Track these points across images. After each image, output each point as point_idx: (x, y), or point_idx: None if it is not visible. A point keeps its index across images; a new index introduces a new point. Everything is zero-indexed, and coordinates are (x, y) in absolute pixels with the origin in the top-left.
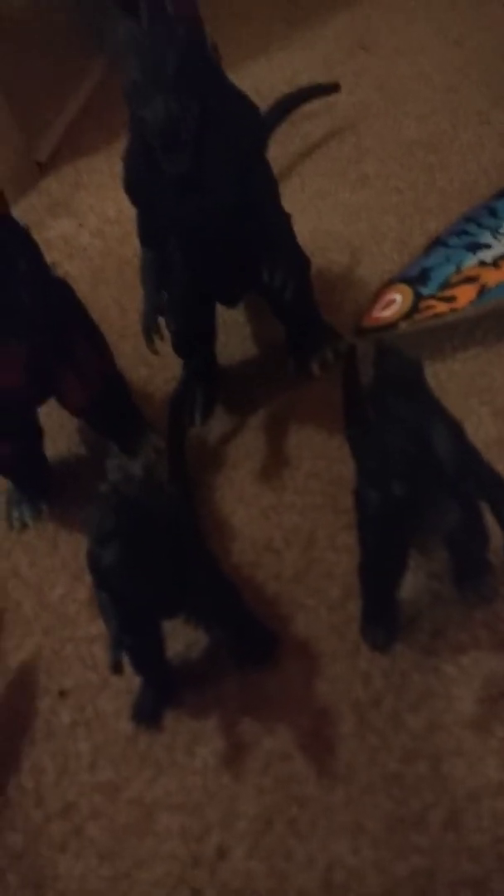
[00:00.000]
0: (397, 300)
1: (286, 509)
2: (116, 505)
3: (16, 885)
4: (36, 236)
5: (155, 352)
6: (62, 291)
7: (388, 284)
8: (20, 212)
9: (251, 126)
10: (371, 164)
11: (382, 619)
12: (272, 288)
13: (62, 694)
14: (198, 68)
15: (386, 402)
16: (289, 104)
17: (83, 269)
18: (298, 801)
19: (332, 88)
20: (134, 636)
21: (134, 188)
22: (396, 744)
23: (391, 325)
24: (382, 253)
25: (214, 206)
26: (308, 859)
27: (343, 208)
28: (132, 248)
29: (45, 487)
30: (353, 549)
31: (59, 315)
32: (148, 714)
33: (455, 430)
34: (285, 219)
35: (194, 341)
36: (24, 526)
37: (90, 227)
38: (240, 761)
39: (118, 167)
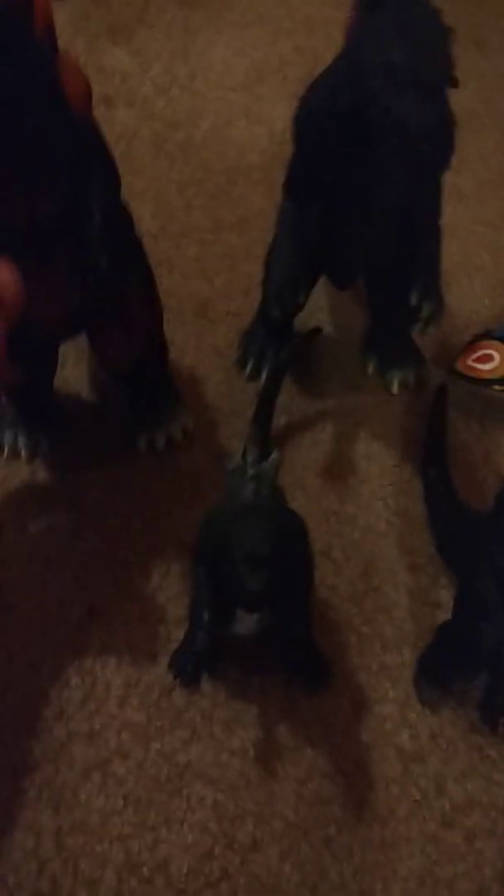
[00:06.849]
0: (495, 359)
1: (347, 521)
2: (271, 531)
3: (33, 796)
4: (88, 58)
5: (277, 321)
6: (125, 221)
7: (487, 336)
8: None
9: (451, 147)
10: (468, 182)
11: (440, 682)
12: (414, 311)
13: (93, 612)
14: (451, 77)
15: None
16: None
17: (143, 128)
18: (337, 824)
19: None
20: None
21: (312, 133)
22: (437, 806)
23: (485, 383)
24: (473, 289)
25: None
26: (341, 882)
27: None
28: (201, 130)
29: (49, 422)
30: (415, 593)
31: (121, 249)
32: (189, 671)
33: None
34: (440, 239)
35: (291, 313)
36: (15, 453)
37: (154, 79)
38: (280, 761)
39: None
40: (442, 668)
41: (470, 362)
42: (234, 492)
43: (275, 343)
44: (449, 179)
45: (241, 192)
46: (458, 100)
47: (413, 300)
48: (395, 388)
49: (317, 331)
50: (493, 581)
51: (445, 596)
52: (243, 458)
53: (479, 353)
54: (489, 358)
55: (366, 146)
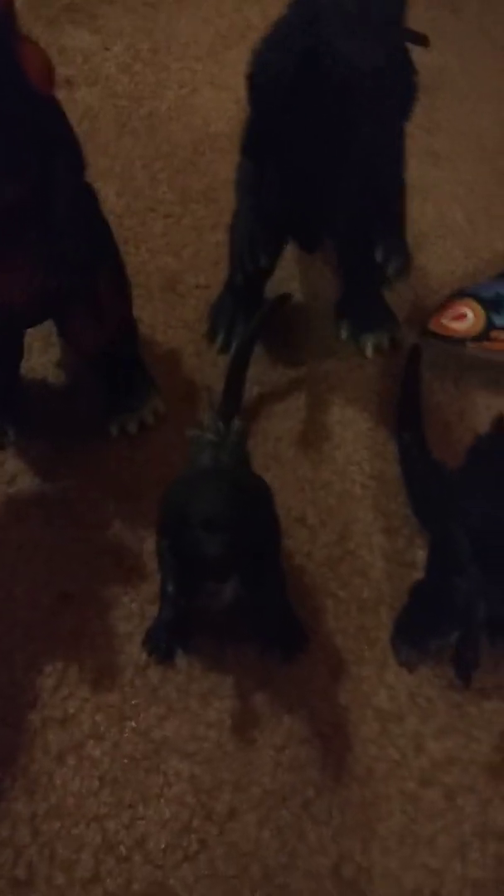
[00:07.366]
0: (468, 317)
1: (322, 487)
2: (228, 494)
3: (7, 785)
4: (48, 40)
5: (243, 288)
6: (92, 203)
7: (460, 295)
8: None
9: (411, 96)
10: (442, 143)
11: (417, 641)
12: (381, 268)
13: (65, 597)
14: (402, 19)
15: None
16: None
17: (106, 106)
18: (315, 787)
19: (420, 40)
20: (187, 599)
21: (267, 87)
22: (416, 765)
23: (458, 341)
24: (447, 249)
25: (349, 155)
26: (320, 845)
27: (410, 181)
28: (165, 102)
29: (16, 411)
30: (390, 555)
31: (89, 233)
32: (162, 647)
33: None
34: (404, 194)
35: (258, 278)
36: None
37: (117, 56)
38: (257, 730)
39: None
40: (418, 627)
41: (444, 321)
42: (195, 459)
43: (244, 313)
44: (423, 140)
45: (208, 161)
46: (433, 61)
47: (378, 257)
48: (369, 352)
49: (286, 297)
50: (464, 536)
51: (421, 556)
52: (206, 427)
53: (454, 311)
54: (463, 316)
55: (321, 96)
